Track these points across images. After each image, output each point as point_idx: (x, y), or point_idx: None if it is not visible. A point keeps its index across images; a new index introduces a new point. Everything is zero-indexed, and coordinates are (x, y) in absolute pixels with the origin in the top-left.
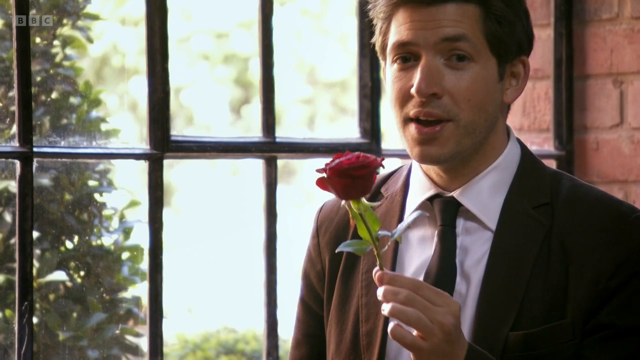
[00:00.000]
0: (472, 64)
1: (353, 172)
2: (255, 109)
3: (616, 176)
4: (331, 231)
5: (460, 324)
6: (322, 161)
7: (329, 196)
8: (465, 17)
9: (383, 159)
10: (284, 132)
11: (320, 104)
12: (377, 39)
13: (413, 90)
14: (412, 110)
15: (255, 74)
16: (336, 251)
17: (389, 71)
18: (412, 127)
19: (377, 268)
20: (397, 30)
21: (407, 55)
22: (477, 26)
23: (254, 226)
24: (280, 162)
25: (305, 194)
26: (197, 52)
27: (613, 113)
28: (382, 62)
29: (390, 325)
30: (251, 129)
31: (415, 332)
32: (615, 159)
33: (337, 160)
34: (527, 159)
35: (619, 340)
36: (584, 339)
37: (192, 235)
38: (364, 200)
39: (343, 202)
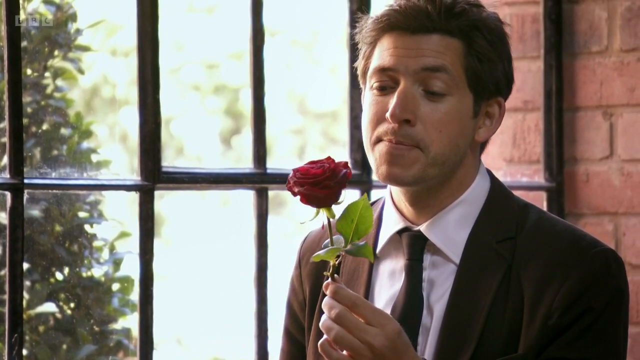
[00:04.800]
0: (448, 98)
1: (327, 182)
2: (245, 139)
3: (606, 208)
4: (312, 262)
5: (401, 346)
6: None
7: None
8: (448, 49)
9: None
10: (274, 163)
11: (311, 134)
12: (359, 63)
13: (387, 114)
14: (384, 135)
15: (245, 104)
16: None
17: (367, 95)
18: (382, 145)
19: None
20: (380, 56)
21: (385, 85)
22: (458, 60)
23: (244, 257)
24: (270, 193)
25: (295, 225)
26: (187, 82)
27: (603, 145)
28: (362, 86)
29: (322, 339)
30: (241, 159)
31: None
32: (605, 190)
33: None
34: (496, 192)
35: None
36: None
37: (182, 266)
38: (333, 208)
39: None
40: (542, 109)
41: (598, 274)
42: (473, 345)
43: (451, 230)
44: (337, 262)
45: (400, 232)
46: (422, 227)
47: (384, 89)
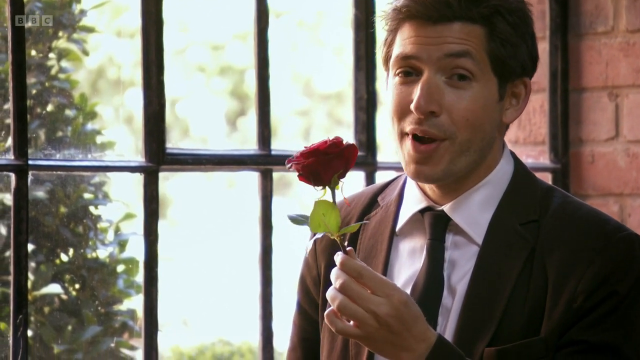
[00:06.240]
0: (473, 84)
1: (327, 151)
2: (251, 120)
3: (612, 189)
4: (327, 238)
5: (408, 317)
6: None
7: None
8: (470, 35)
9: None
10: (280, 144)
11: (316, 115)
12: (381, 50)
13: (412, 107)
14: (408, 126)
15: (251, 85)
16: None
17: (390, 84)
18: (409, 143)
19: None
20: (402, 44)
21: (409, 70)
22: (481, 45)
23: (249, 238)
24: (276, 175)
25: (301, 207)
26: (193, 63)
27: (608, 126)
28: (385, 73)
29: (328, 309)
30: (247, 141)
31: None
32: (610, 172)
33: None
34: (520, 174)
35: (589, 355)
36: (556, 353)
37: (187, 247)
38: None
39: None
40: (547, 90)
41: (623, 258)
42: (494, 326)
43: (475, 211)
44: (341, 236)
45: (422, 211)
46: (446, 208)
47: (409, 75)
